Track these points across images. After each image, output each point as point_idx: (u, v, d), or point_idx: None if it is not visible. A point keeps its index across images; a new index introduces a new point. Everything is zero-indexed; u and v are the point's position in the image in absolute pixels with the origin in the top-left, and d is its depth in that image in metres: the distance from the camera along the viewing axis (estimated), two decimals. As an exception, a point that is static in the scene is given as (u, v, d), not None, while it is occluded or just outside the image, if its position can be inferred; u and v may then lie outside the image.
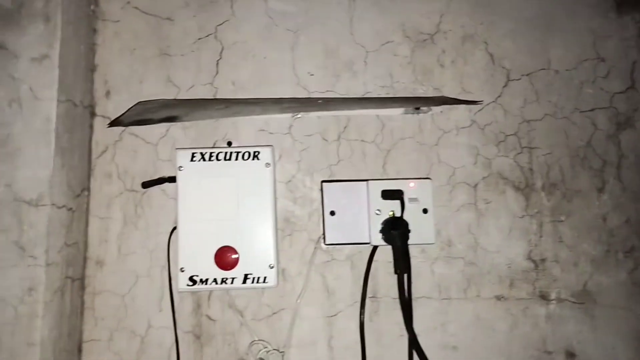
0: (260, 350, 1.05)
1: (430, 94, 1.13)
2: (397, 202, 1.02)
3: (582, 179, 1.13)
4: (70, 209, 1.00)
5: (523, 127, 1.14)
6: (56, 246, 0.94)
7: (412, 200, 1.02)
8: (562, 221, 1.12)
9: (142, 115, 1.04)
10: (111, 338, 1.06)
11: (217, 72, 1.13)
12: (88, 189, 1.09)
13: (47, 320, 0.90)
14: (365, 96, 1.13)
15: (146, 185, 1.07)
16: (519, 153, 1.13)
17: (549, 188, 1.12)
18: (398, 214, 1.02)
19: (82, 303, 1.06)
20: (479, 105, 1.13)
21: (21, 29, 0.93)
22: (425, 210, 1.03)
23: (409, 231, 0.98)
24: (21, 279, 0.89)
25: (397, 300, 1.08)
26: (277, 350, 1.06)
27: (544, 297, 1.10)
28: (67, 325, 0.98)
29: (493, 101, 1.14)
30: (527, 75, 1.15)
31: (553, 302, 1.10)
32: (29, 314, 0.89)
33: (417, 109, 1.11)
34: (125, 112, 1.04)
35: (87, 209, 1.08)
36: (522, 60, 1.15)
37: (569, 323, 1.09)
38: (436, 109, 1.12)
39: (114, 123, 1.08)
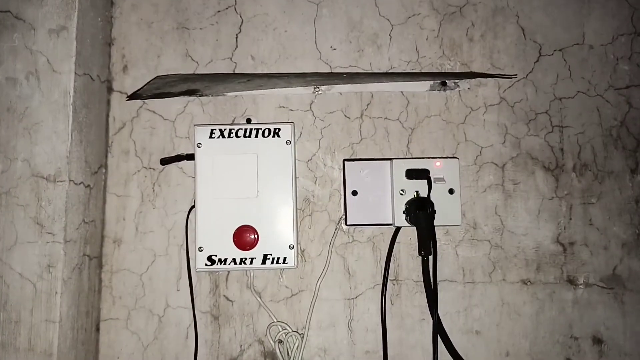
0: (279, 332, 1.03)
1: (458, 69, 1.08)
2: (422, 182, 0.98)
3: (615, 159, 1.08)
4: (88, 185, 0.98)
5: (554, 105, 1.09)
6: (74, 223, 0.92)
7: (438, 179, 0.99)
8: (592, 203, 1.07)
9: (161, 88, 1.02)
10: (129, 317, 1.05)
11: (236, 46, 1.09)
12: (105, 166, 1.07)
13: (65, 298, 0.89)
14: (390, 71, 1.08)
15: (165, 162, 1.04)
16: (549, 132, 1.08)
17: (580, 169, 1.08)
18: (422, 194, 0.99)
19: (100, 281, 1.05)
20: (508, 81, 1.08)
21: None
22: (451, 191, 1.00)
23: (434, 212, 0.95)
24: (39, 256, 0.88)
25: (419, 283, 1.05)
26: (297, 332, 1.04)
27: (571, 281, 1.06)
28: (85, 303, 0.97)
29: (524, 77, 1.09)
30: (560, 50, 1.10)
31: (581, 286, 1.06)
32: (47, 291, 0.88)
33: (444, 84, 1.07)
34: (144, 85, 1.01)
35: (105, 187, 1.07)
36: (555, 35, 1.10)
37: (597, 308, 1.06)
38: (464, 86, 1.08)
39: (132, 96, 1.06)
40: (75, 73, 0.91)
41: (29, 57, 0.90)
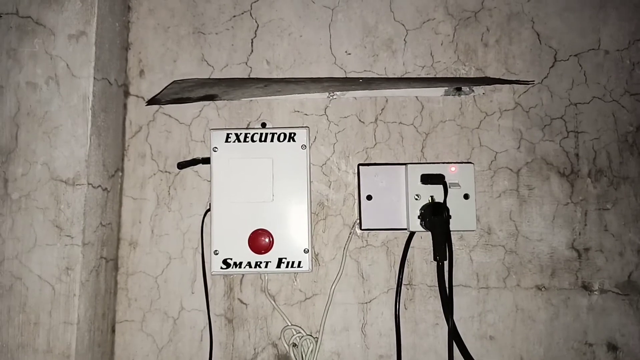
0: (293, 336, 1.04)
1: (473, 74, 1.08)
2: (437, 186, 0.99)
3: (630, 165, 1.08)
4: (105, 189, 0.99)
5: (570, 111, 1.09)
6: (92, 226, 0.93)
7: (453, 185, 0.99)
8: (608, 209, 1.07)
9: (179, 93, 1.02)
10: (144, 319, 1.06)
11: (251, 51, 1.10)
12: (122, 170, 1.08)
13: (83, 300, 0.90)
14: (404, 76, 1.09)
15: (182, 165, 1.05)
16: (564, 137, 1.08)
17: (595, 174, 1.08)
18: (437, 199, 0.99)
19: (116, 284, 1.06)
20: (523, 87, 1.08)
21: (59, 5, 0.92)
22: (466, 196, 1.00)
23: (450, 217, 0.95)
24: (58, 258, 0.89)
25: (433, 288, 1.05)
26: (311, 335, 1.04)
27: (586, 287, 1.06)
28: (101, 305, 0.98)
29: (539, 83, 1.09)
30: (576, 55, 1.09)
31: (596, 292, 1.06)
32: (66, 293, 0.89)
33: (459, 90, 1.07)
34: (162, 90, 1.02)
35: (121, 190, 1.08)
36: (570, 40, 1.10)
37: (612, 315, 1.05)
38: (478, 91, 1.08)
39: (151, 102, 1.07)
40: (94, 78, 0.92)
41: (49, 62, 0.91)
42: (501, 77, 1.07)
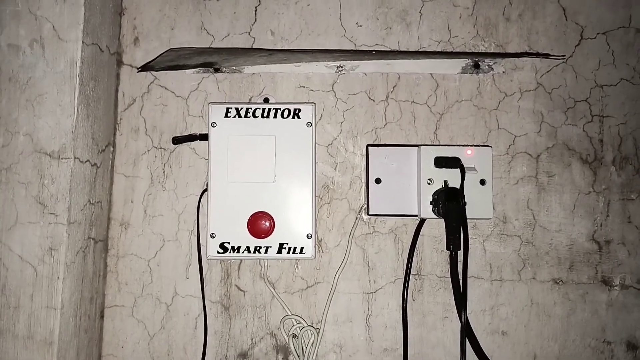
0: (293, 326, 0.97)
1: (493, 51, 1.01)
2: (452, 171, 0.92)
3: (657, 153, 1.01)
4: (94, 164, 0.92)
5: (595, 93, 1.01)
6: (79, 204, 0.86)
7: (468, 169, 0.91)
8: (632, 199, 1.00)
9: (175, 61, 0.95)
10: (135, 304, 0.99)
11: (255, 20, 1.02)
12: (113, 145, 1.01)
13: (68, 283, 0.84)
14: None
15: (178, 141, 0.98)
16: (588, 122, 1.01)
17: (620, 162, 1.00)
18: (451, 184, 0.92)
19: (105, 266, 0.99)
20: (546, 66, 1.01)
21: (43, -42, 0.84)
22: (483, 182, 0.93)
23: (465, 204, 0.88)
24: (41, 237, 0.82)
25: (443, 279, 0.99)
26: (312, 326, 0.98)
27: (606, 282, 0.99)
28: (89, 289, 0.92)
29: (563, 62, 1.01)
30: (604, 33, 1.02)
31: (616, 288, 0.99)
32: (49, 276, 0.82)
33: (477, 67, 0.99)
34: (157, 57, 0.94)
35: (112, 166, 1.00)
36: (598, 16, 1.02)
37: (632, 312, 0.99)
38: (498, 69, 1.00)
39: (145, 68, 0.99)
40: (82, 42, 0.84)
41: (33, 23, 0.83)
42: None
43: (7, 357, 0.81)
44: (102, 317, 0.99)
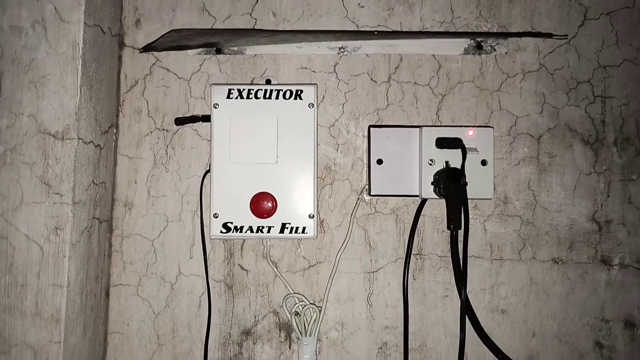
0: (295, 304, 0.99)
1: (495, 32, 1.00)
2: (453, 151, 0.92)
3: (659, 134, 1.01)
4: (98, 145, 0.93)
5: (598, 74, 1.01)
6: (83, 184, 0.87)
7: (470, 149, 0.92)
8: (633, 180, 1.00)
9: (177, 42, 0.95)
10: (140, 283, 1.01)
11: (256, 1, 1.01)
12: (116, 126, 1.01)
13: (73, 262, 0.85)
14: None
15: (180, 122, 0.98)
16: (590, 103, 1.01)
17: (621, 143, 1.01)
18: (452, 165, 0.92)
19: (110, 246, 1.01)
20: (549, 47, 1.00)
21: (44, -63, 0.83)
22: (484, 162, 0.93)
23: (466, 184, 0.89)
24: (46, 217, 0.83)
25: (443, 259, 1.00)
26: (314, 304, 0.99)
27: (605, 262, 1.00)
28: (94, 268, 0.93)
29: (566, 42, 1.01)
30: (607, 14, 1.01)
31: (615, 267, 1.00)
32: (55, 254, 0.83)
33: (479, 48, 0.99)
34: (159, 38, 0.94)
35: (115, 147, 1.01)
36: (603, -4, 1.01)
37: (631, 291, 1.00)
38: (500, 50, 1.00)
39: (147, 48, 0.99)
40: (84, 23, 0.84)
41: (35, 4, 0.83)
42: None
43: (16, 334, 0.83)
44: (107, 295, 1.00)
